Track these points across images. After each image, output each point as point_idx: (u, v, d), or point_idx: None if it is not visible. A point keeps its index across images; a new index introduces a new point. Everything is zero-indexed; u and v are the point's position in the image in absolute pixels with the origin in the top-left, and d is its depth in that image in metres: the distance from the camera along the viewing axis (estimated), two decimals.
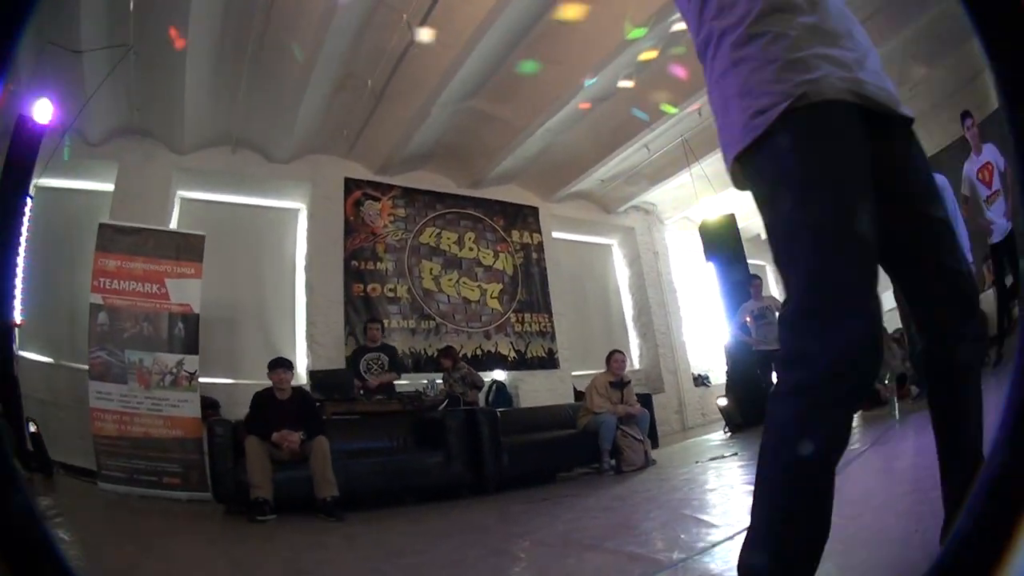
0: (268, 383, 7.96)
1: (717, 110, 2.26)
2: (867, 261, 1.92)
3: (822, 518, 1.91)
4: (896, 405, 9.37)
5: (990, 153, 8.53)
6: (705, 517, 4.71)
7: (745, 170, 2.15)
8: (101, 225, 9.47)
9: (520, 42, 10.52)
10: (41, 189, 9.85)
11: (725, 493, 6.05)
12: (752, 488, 2.01)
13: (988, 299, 10.09)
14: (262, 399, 7.83)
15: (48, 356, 10.09)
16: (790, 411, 1.94)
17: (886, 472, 5.58)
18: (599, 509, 6.28)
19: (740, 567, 1.99)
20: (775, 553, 1.92)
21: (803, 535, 1.90)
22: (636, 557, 3.78)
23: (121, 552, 5.56)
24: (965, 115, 8.71)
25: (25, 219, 8.71)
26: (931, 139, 12.63)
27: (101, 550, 5.55)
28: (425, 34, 9.65)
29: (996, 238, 8.43)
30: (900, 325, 10.69)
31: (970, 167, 8.74)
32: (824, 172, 1.97)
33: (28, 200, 8.68)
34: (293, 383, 8.30)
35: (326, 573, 4.87)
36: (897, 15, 10.98)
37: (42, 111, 8.35)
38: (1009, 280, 8.84)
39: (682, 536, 4.11)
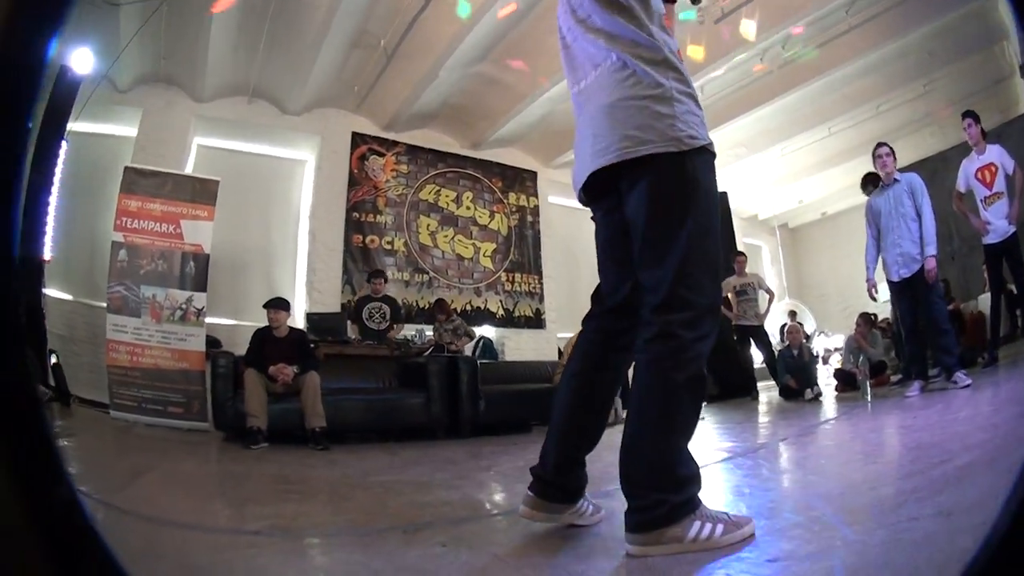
0: (268, 325, 8.52)
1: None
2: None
3: None
4: (868, 389, 9.70)
5: (996, 154, 8.61)
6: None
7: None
8: (126, 168, 9.93)
9: (531, 11, 10.90)
10: (72, 134, 10.08)
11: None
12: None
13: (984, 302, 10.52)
14: (261, 335, 8.39)
15: (68, 294, 10.62)
16: None
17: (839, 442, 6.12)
18: None
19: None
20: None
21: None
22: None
23: (124, 465, 6.09)
24: (966, 114, 8.81)
25: (60, 162, 9.24)
26: (945, 137, 13.02)
27: (107, 464, 6.10)
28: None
29: (993, 239, 8.56)
30: (890, 317, 11.00)
31: (968, 165, 8.85)
32: None
33: (63, 143, 9.19)
34: (290, 324, 8.83)
35: (307, 484, 5.40)
36: (922, 9, 11.27)
37: (81, 61, 8.86)
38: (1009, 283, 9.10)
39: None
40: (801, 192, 20.28)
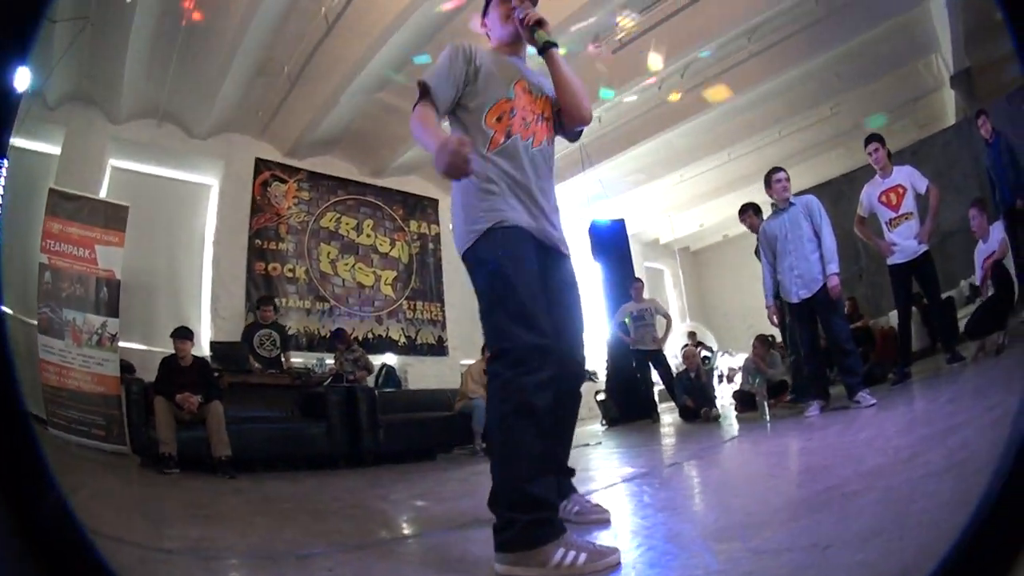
0: (174, 354, 8.73)
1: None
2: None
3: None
4: (766, 409, 10.12)
5: (905, 175, 8.71)
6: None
7: None
8: (50, 190, 9.98)
9: (429, 42, 11.05)
10: (12, 149, 10.02)
11: (577, 471, 6.70)
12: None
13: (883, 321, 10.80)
14: (167, 364, 8.65)
15: (7, 307, 10.47)
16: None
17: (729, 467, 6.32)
18: (456, 480, 7.14)
19: None
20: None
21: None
22: (465, 513, 4.51)
23: (63, 483, 6.17)
24: (870, 139, 8.91)
25: (1, 180, 9.19)
26: (852, 157, 13.28)
27: None
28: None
29: (899, 259, 8.60)
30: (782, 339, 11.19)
31: (871, 190, 8.92)
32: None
33: (4, 162, 9.13)
34: (196, 352, 9.12)
35: (213, 509, 5.59)
36: (831, 32, 11.65)
37: (22, 78, 8.81)
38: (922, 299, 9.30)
39: None
40: (702, 216, 20.69)
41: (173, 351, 8.76)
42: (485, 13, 3.88)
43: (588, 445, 9.37)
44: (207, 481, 7.44)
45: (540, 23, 3.59)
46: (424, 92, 3.35)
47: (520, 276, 3.14)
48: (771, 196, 8.72)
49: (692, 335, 18.00)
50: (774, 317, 8.92)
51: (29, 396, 9.11)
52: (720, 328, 21.27)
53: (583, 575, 2.67)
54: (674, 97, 13.18)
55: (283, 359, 11.16)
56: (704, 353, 16.77)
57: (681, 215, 20.50)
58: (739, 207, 10.23)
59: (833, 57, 12.47)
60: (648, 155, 15.66)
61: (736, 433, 8.71)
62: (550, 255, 3.47)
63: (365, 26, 10.65)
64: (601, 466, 6.91)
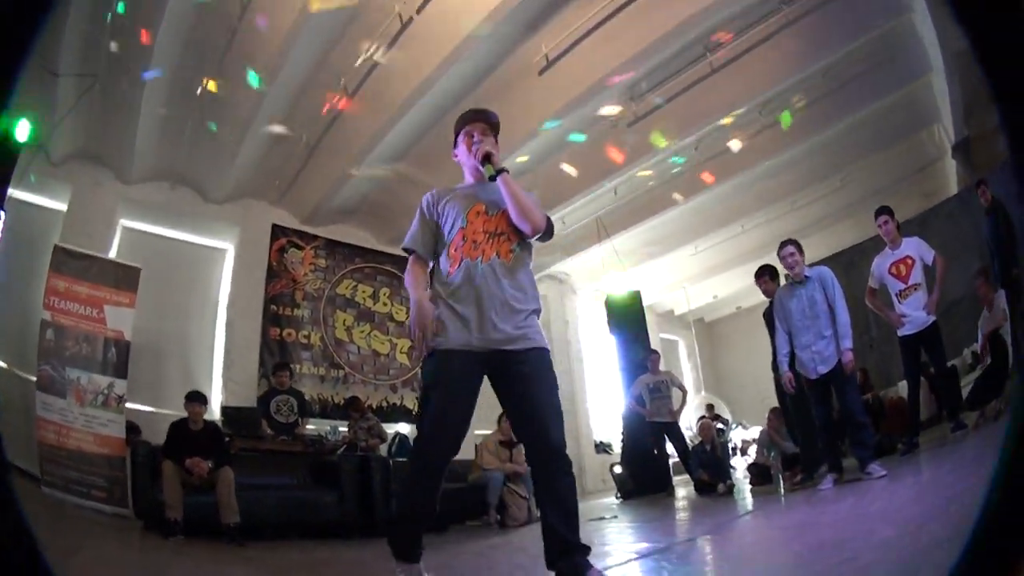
0: (185, 415, 8.57)
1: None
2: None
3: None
4: (781, 483, 9.97)
5: (914, 247, 8.69)
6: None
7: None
8: (55, 247, 9.92)
9: (447, 115, 10.80)
10: (10, 200, 9.68)
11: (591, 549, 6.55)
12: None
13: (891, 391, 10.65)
14: (178, 428, 8.45)
15: (2, 362, 10.41)
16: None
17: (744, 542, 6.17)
18: (470, 554, 6.89)
19: None
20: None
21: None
22: None
23: (57, 543, 6.03)
24: (880, 211, 8.88)
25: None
26: (861, 228, 13.18)
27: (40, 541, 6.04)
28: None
29: (909, 330, 8.62)
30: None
31: (881, 261, 8.90)
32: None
33: (2, 214, 9.08)
34: (206, 416, 8.91)
35: None
36: (841, 105, 11.64)
37: (22, 130, 8.72)
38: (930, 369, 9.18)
39: None
40: (716, 287, 20.61)
41: (184, 415, 8.61)
42: (455, 144, 4.51)
43: (604, 519, 9.14)
44: (214, 548, 7.27)
45: (488, 157, 4.17)
46: (411, 252, 4.30)
47: (435, 400, 3.95)
48: (785, 270, 8.65)
49: (710, 407, 17.83)
50: (790, 385, 8.50)
51: (21, 451, 9.08)
52: (734, 400, 21.07)
53: None
54: (697, 163, 13.00)
55: (299, 425, 10.99)
56: (719, 425, 16.62)
57: (695, 286, 20.37)
58: (756, 271, 9.98)
59: (842, 129, 12.40)
60: (663, 227, 15.55)
61: (751, 507, 8.65)
62: (501, 357, 3.93)
63: (385, 98, 10.61)
64: (617, 540, 6.74)
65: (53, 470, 9.08)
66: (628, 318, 15.35)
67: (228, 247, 13.82)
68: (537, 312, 4.14)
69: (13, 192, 9.81)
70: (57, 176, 11.27)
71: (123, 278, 10.27)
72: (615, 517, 9.47)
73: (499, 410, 11.20)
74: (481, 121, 4.44)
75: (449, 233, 4.18)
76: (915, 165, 14.19)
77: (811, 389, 8.37)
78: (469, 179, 4.49)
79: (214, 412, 11.34)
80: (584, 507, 11.63)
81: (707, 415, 15.63)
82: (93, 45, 9.23)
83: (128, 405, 10.08)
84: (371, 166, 12.29)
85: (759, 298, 15.90)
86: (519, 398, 3.94)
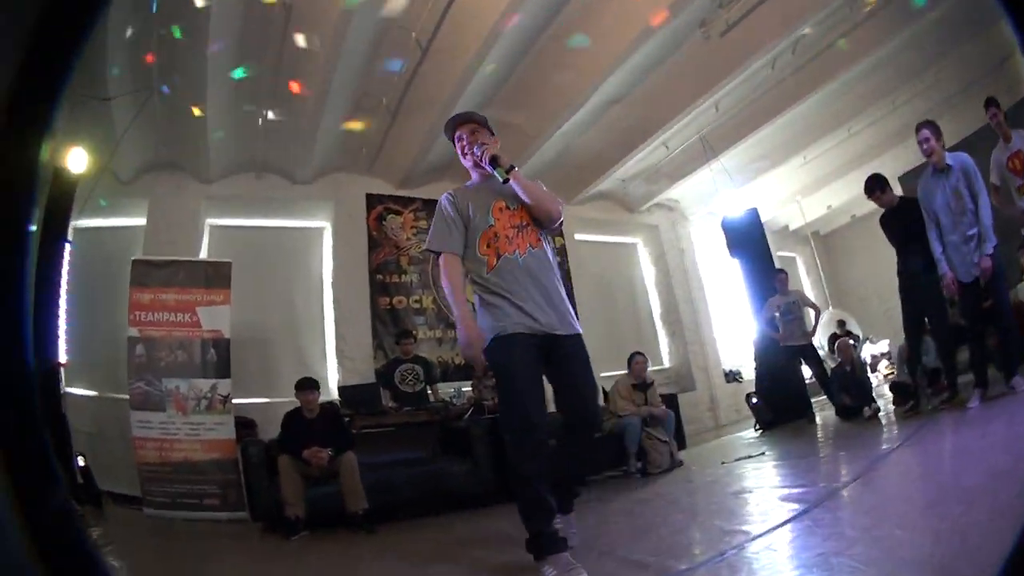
0: (298, 407, 8.17)
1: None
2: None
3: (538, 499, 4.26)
4: (926, 401, 9.31)
5: (1022, 141, 8.04)
6: (720, 522, 4.84)
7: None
8: (134, 261, 9.70)
9: (529, 50, 10.66)
10: (80, 231, 10.01)
11: (746, 496, 6.06)
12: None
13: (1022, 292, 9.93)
14: (292, 418, 8.06)
15: (92, 390, 10.27)
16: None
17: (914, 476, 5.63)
18: (621, 514, 6.40)
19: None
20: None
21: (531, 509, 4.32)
22: (644, 565, 4.03)
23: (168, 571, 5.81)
24: (989, 102, 8.23)
25: (65, 263, 8.97)
26: (960, 123, 12.58)
27: (149, 572, 5.78)
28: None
29: None
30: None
31: (998, 155, 8.25)
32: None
33: (67, 246, 8.94)
34: (323, 399, 8.54)
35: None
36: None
37: (76, 160, 8.61)
38: None
39: (695, 542, 4.28)
40: (829, 198, 19.84)
41: (296, 404, 8.20)
42: (453, 144, 4.95)
43: (751, 457, 8.74)
44: (342, 541, 6.91)
45: (494, 160, 4.54)
46: (438, 253, 4.66)
47: (516, 374, 4.32)
48: (924, 156, 8.17)
49: (841, 324, 17.16)
50: (953, 287, 8.01)
51: (123, 477, 9.18)
52: (857, 313, 20.21)
53: None
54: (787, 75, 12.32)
55: (429, 393, 10.71)
56: (851, 342, 16.11)
57: (808, 199, 19.61)
58: (865, 185, 9.34)
59: (930, 21, 11.67)
60: (769, 139, 14.89)
61: (904, 433, 7.96)
62: (551, 340, 4.41)
63: (461, 45, 10.09)
64: (775, 486, 6.18)
65: (156, 488, 8.90)
66: (748, 238, 14.81)
67: (324, 225, 13.59)
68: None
69: (81, 222, 9.98)
70: (129, 193, 11.27)
71: (214, 276, 9.99)
72: (763, 454, 9.00)
73: (627, 350, 11.04)
74: (469, 123, 4.86)
75: (476, 233, 4.58)
76: (997, 58, 13.29)
77: (961, 294, 8.04)
78: (476, 177, 4.91)
79: (332, 393, 11.24)
80: (723, 444, 11.31)
81: (839, 332, 15.51)
82: (141, 58, 9.08)
83: (241, 401, 9.91)
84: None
85: (873, 205, 15.34)
86: (567, 375, 4.49)
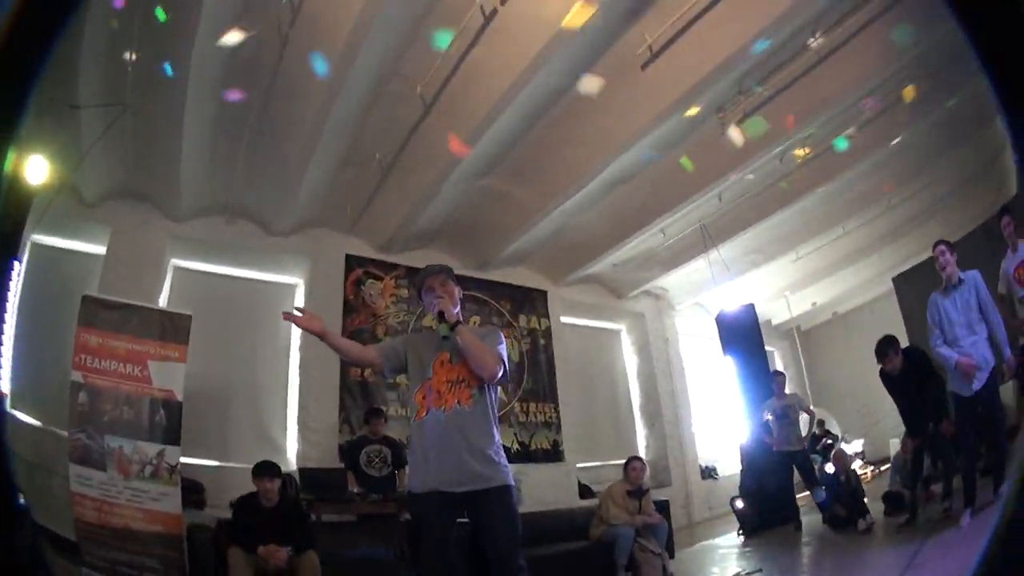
0: (253, 492, 7.34)
1: None
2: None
3: None
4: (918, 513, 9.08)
5: None
6: None
7: None
8: (84, 298, 8.81)
9: (538, 122, 10.14)
10: (36, 246, 9.58)
11: None
12: None
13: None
14: (246, 505, 7.25)
15: (37, 420, 9.43)
16: None
17: None
18: None
19: None
20: None
21: None
22: None
23: None
24: (1003, 211, 8.28)
25: (12, 283, 8.23)
26: (950, 225, 12.40)
27: None
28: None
29: None
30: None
31: (1007, 264, 8.14)
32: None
33: (15, 263, 8.16)
34: (283, 470, 7.81)
35: None
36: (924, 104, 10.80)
37: (35, 169, 7.78)
38: None
39: None
40: (815, 295, 19.79)
41: (253, 489, 7.33)
42: (420, 296, 5.38)
43: (750, 574, 8.43)
44: None
45: (441, 315, 4.86)
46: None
47: (423, 532, 4.65)
48: (939, 271, 8.15)
49: (820, 423, 16.78)
50: (969, 370, 7.68)
51: (61, 516, 8.25)
52: (833, 411, 20.04)
53: None
54: (800, 153, 11.91)
55: (397, 479, 9.96)
56: (828, 441, 16.17)
57: (795, 295, 19.48)
58: (877, 345, 9.13)
59: (932, 123, 11.58)
60: (766, 233, 14.72)
61: (907, 552, 7.54)
62: (473, 497, 4.58)
63: (468, 107, 9.52)
64: None
65: (94, 550, 8.00)
66: (743, 335, 14.41)
67: (298, 281, 12.96)
68: (498, 445, 4.81)
69: (38, 238, 9.52)
70: (92, 218, 10.66)
71: (170, 329, 9.10)
72: (760, 571, 8.55)
73: (624, 454, 10.50)
74: (438, 275, 5.26)
75: (415, 382, 4.96)
76: (987, 158, 13.23)
77: (961, 408, 8.02)
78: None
79: (291, 464, 10.79)
80: (706, 549, 10.76)
81: (818, 432, 15.34)
82: (118, 71, 8.40)
83: (190, 460, 9.14)
84: (455, 184, 11.26)
85: (855, 302, 14.93)
86: (480, 525, 4.68)
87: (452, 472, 4.58)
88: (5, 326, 8.03)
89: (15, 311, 8.25)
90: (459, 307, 5.20)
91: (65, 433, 8.50)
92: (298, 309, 5.17)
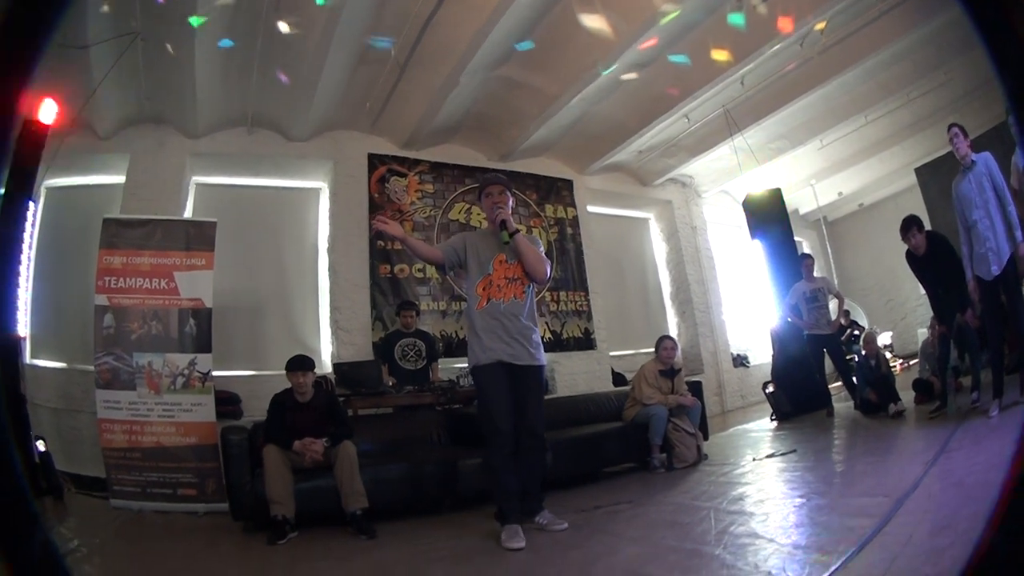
0: (288, 389, 7.25)
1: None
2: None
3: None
4: (950, 402, 8.97)
5: None
6: (783, 539, 4.17)
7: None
8: (105, 220, 8.76)
9: (554, 5, 9.85)
10: (51, 189, 9.76)
11: (781, 503, 5.78)
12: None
13: None
14: (281, 403, 7.15)
15: (60, 362, 9.66)
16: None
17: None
18: (664, 526, 5.44)
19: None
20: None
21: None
22: None
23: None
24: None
25: (28, 224, 8.28)
26: (976, 116, 12.24)
27: None
28: None
29: None
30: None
31: (1017, 160, 8.31)
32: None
33: (30, 204, 8.16)
34: (318, 371, 7.67)
35: None
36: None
37: (47, 112, 7.89)
38: None
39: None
40: (840, 184, 19.65)
41: (288, 385, 7.21)
42: (479, 198, 6.42)
43: (782, 454, 8.37)
44: (337, 546, 6.00)
45: (504, 224, 5.90)
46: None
47: (487, 392, 5.83)
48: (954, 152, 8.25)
49: (847, 313, 16.63)
50: (975, 293, 8.08)
51: (89, 457, 8.76)
52: (860, 303, 20.16)
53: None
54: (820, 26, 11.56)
55: (431, 371, 10.06)
56: (855, 332, 16.33)
57: (821, 183, 19.26)
58: (902, 222, 9.18)
59: (941, 24, 11.42)
60: (790, 119, 14.56)
61: (940, 436, 7.43)
62: (519, 369, 5.82)
63: None
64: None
65: (124, 477, 8.08)
66: (771, 219, 14.14)
67: (321, 185, 12.92)
68: (539, 333, 6.06)
69: (53, 181, 9.88)
70: (108, 150, 10.69)
71: (196, 236, 9.00)
72: (794, 451, 8.51)
73: (635, 328, 10.39)
74: (497, 184, 6.23)
75: (479, 274, 6.01)
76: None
77: (984, 295, 8.04)
78: (492, 227, 6.22)
79: (326, 366, 10.71)
80: (740, 434, 10.78)
81: (844, 322, 15.16)
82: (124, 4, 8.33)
83: (223, 373, 9.24)
84: (473, 74, 11.00)
85: (882, 193, 14.63)
86: (520, 396, 5.82)
87: (510, 349, 5.77)
88: (22, 267, 8.06)
89: (34, 255, 8.30)
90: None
91: (91, 367, 8.54)
92: (381, 220, 5.87)
